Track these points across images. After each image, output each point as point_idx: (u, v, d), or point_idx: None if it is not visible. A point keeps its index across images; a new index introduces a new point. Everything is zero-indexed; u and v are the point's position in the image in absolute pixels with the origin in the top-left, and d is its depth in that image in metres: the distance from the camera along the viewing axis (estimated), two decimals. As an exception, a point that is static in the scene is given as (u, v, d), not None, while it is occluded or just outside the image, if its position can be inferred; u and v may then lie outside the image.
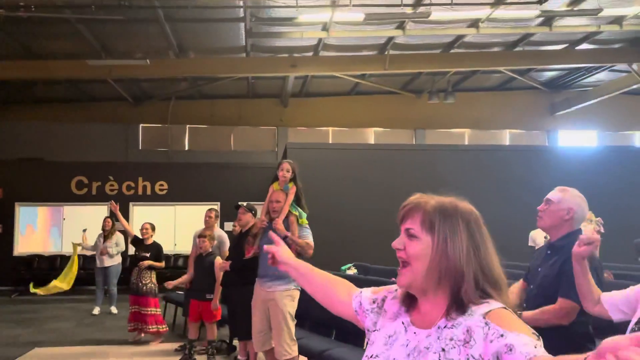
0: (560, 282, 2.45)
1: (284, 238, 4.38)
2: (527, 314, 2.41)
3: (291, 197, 4.52)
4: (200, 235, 6.17)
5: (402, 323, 1.28)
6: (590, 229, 7.76)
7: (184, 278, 6.54)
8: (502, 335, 1.07)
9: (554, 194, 2.65)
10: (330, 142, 15.72)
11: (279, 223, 4.41)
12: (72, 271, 8.74)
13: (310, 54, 12.12)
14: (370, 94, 15.65)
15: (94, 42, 10.68)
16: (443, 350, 1.13)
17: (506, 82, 15.46)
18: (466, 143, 16.13)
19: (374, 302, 1.41)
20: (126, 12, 9.13)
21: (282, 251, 1.59)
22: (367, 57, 12.10)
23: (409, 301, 1.31)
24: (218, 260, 6.05)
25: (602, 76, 14.66)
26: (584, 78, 14.83)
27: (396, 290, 1.37)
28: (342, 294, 1.51)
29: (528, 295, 2.60)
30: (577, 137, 16.64)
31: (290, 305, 4.49)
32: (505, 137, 16.69)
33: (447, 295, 1.21)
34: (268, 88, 14.95)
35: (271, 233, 4.41)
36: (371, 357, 1.26)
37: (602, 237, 7.76)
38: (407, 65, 12.20)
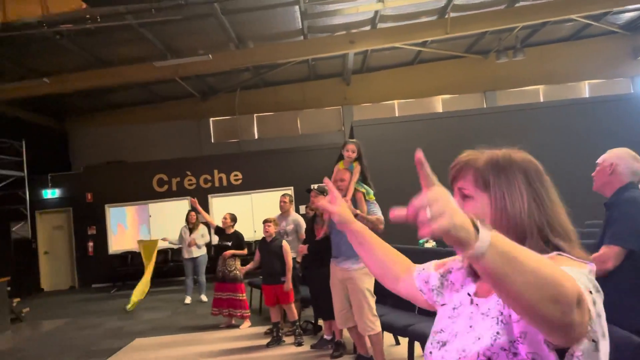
0: (605, 232, 2.54)
1: (355, 216, 4.40)
2: None
3: (356, 175, 4.54)
4: (266, 221, 6.29)
5: (468, 294, 1.22)
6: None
7: (252, 265, 6.73)
8: None
9: (601, 157, 2.78)
10: (396, 115, 15.45)
11: (347, 201, 4.41)
12: (146, 277, 9.55)
13: (368, 27, 11.90)
14: (433, 61, 15.19)
15: (158, 44, 11.07)
16: (501, 313, 1.07)
17: (580, 30, 14.44)
18: (541, 100, 15.29)
19: (442, 276, 1.35)
20: (184, 11, 9.36)
21: (339, 210, 1.46)
22: (426, 23, 11.71)
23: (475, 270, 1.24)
24: (286, 244, 6.19)
25: (690, 10, 13.35)
26: (670, 14, 13.58)
27: (462, 260, 1.30)
28: (401, 271, 1.46)
29: None
30: (666, 80, 15.33)
31: (369, 282, 4.50)
32: (584, 89, 15.66)
33: None
34: (329, 68, 14.88)
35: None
36: (437, 332, 1.22)
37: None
38: (470, 26, 11.68)
